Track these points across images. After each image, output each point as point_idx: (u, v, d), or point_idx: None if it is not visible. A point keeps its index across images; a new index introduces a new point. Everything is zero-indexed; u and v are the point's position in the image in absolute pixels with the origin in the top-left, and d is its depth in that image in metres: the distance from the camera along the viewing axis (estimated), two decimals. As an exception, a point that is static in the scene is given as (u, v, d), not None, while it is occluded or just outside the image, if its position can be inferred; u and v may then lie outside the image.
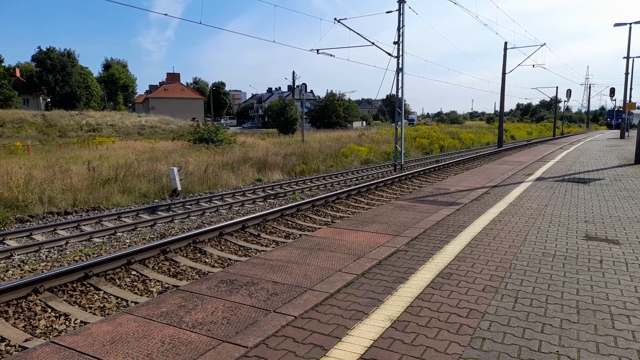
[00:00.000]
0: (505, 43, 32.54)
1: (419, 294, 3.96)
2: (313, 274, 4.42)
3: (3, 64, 57.95)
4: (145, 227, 10.58)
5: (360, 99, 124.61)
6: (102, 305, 5.94)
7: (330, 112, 71.27)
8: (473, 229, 6.27)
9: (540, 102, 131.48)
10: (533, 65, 37.54)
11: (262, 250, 8.24)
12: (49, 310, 5.75)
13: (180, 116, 60.59)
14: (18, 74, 66.39)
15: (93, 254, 8.14)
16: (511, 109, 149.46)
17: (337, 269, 4.58)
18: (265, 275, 4.41)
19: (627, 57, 32.05)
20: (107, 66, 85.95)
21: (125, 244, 8.89)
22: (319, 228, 9.67)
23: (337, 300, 3.84)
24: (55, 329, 5.29)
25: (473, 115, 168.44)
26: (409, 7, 20.31)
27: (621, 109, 61.10)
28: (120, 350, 3.01)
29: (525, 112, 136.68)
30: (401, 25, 20.04)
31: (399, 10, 20.00)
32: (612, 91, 44.62)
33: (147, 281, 6.78)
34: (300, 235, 9.19)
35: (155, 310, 3.61)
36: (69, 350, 3.02)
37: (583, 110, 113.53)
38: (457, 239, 5.78)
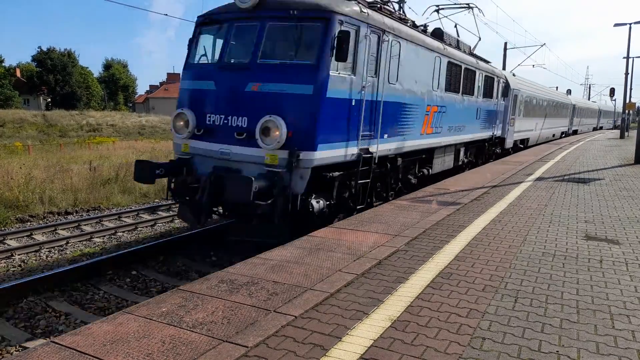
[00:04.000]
0: (505, 43, 32.58)
1: (419, 294, 3.96)
2: (313, 274, 4.43)
3: (3, 64, 58.01)
4: (146, 227, 10.58)
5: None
6: (102, 305, 5.95)
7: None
8: (473, 229, 6.27)
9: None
10: (533, 65, 37.64)
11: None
12: (49, 310, 5.76)
13: (180, 116, 60.42)
14: (18, 74, 66.41)
15: (94, 253, 8.15)
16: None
17: (337, 268, 4.58)
18: (265, 275, 4.41)
19: (627, 57, 32.07)
20: (107, 66, 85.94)
21: (125, 244, 8.89)
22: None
23: (337, 300, 3.85)
24: (55, 328, 5.30)
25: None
26: (409, 7, 20.22)
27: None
28: (121, 350, 3.01)
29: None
30: (401, 26, 19.54)
31: (398, 10, 19.99)
32: (612, 91, 44.56)
33: (147, 281, 6.79)
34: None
35: (156, 310, 3.61)
36: (70, 350, 3.02)
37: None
38: (457, 238, 5.78)
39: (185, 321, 3.43)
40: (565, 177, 11.79)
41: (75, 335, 3.24)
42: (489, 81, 14.51)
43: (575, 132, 40.00)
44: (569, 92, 56.99)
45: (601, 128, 62.41)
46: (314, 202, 6.56)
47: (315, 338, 3.17)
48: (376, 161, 7.92)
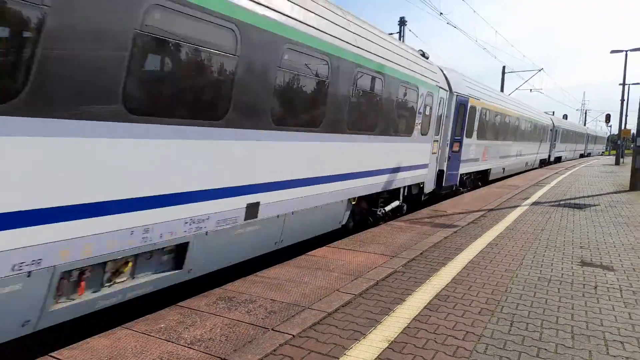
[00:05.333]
0: (504, 67, 33.13)
1: (415, 315, 3.99)
2: (311, 293, 4.46)
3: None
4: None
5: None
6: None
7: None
8: (470, 252, 6.32)
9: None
10: (530, 90, 38.29)
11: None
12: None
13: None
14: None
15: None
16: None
17: (335, 288, 4.62)
18: (263, 293, 4.44)
19: (623, 84, 32.62)
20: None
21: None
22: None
23: (335, 319, 3.87)
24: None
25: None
26: (409, 30, 20.74)
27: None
28: (119, 365, 3.01)
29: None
30: (401, 49, 19.97)
31: (399, 32, 20.42)
32: (608, 117, 45.16)
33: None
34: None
35: (154, 326, 3.63)
36: (68, 364, 3.00)
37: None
38: (454, 261, 5.82)
39: (184, 337, 3.44)
40: (561, 202, 11.89)
41: (73, 349, 3.25)
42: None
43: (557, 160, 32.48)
44: (564, 117, 55.06)
45: (589, 155, 54.46)
46: None
47: (313, 357, 3.19)
48: None
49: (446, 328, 3.75)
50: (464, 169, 13.75)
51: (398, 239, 6.95)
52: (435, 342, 3.49)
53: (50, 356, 3.16)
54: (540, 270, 5.54)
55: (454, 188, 13.21)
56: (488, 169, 16.89)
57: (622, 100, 33.71)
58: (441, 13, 17.36)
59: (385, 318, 3.93)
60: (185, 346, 3.31)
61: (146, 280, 4.22)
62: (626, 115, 34.94)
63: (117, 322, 4.19)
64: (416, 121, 9.65)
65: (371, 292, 4.59)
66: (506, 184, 16.56)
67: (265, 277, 4.92)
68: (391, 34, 21.00)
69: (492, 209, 10.34)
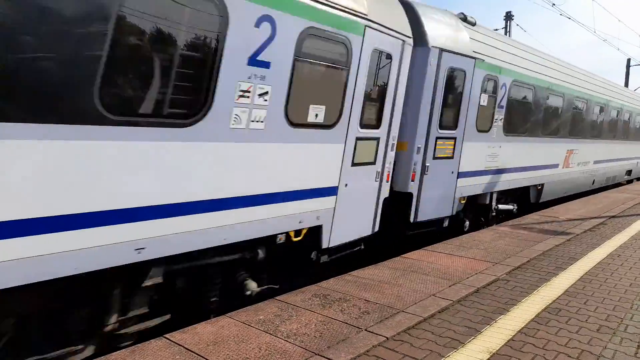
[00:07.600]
0: (628, 60, 29.49)
1: (521, 328, 3.69)
2: (406, 296, 4.35)
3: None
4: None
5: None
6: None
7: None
8: (586, 262, 5.69)
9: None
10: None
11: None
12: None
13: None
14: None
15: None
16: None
17: (431, 293, 4.45)
18: (357, 292, 4.43)
19: None
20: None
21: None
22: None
23: (431, 325, 3.73)
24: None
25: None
26: (517, 24, 19.37)
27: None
28: (222, 352, 3.23)
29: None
30: (506, 43, 18.72)
31: (505, 27, 19.17)
32: None
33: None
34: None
35: (254, 317, 3.81)
36: (178, 347, 3.31)
37: None
38: (567, 271, 5.29)
39: (281, 330, 3.57)
40: None
41: (183, 333, 3.54)
42: None
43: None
44: None
45: None
46: None
47: (408, 362, 3.10)
48: None
49: (557, 344, 3.41)
50: None
51: (501, 244, 6.50)
52: (545, 358, 3.19)
53: (165, 337, 3.47)
54: (677, 288, 4.80)
55: None
56: None
57: None
58: (553, 4, 15.88)
59: (486, 328, 3.69)
60: (282, 338, 3.43)
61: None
62: None
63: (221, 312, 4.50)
64: None
65: (470, 299, 4.35)
66: (631, 189, 14.64)
67: (359, 277, 4.91)
68: (496, 29, 19.78)
69: (614, 216, 9.21)
